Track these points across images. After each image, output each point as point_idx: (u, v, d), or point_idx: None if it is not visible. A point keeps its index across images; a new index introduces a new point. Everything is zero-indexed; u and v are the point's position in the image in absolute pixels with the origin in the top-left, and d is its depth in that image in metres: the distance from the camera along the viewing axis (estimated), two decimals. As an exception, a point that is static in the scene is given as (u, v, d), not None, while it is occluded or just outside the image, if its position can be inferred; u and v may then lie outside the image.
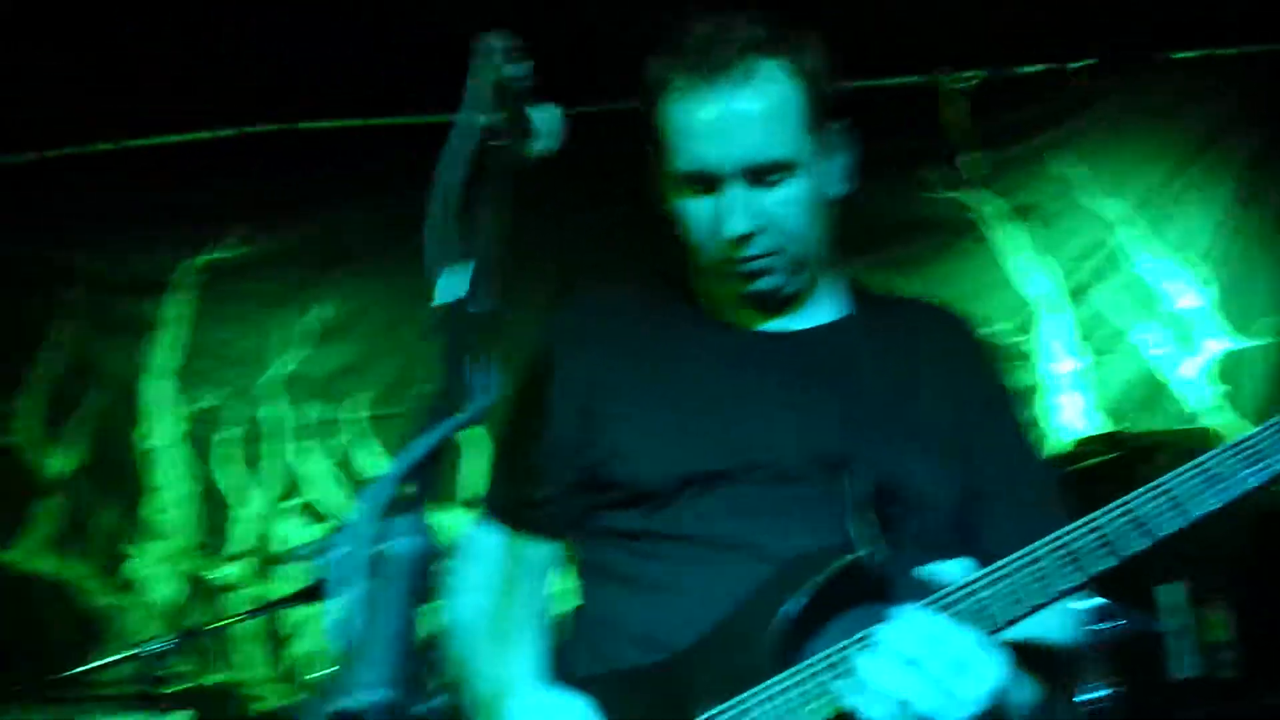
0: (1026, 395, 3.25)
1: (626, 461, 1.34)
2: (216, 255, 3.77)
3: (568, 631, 1.42)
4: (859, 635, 1.14)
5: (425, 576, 0.59)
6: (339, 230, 3.75)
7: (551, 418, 1.39)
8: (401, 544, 0.60)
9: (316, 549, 0.62)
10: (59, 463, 3.74)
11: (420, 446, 0.64)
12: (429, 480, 0.63)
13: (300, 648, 3.61)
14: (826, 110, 1.34)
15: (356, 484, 3.65)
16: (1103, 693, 2.48)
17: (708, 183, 1.31)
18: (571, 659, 1.37)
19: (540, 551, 1.44)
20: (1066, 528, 1.14)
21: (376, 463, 3.64)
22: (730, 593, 1.25)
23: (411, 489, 0.62)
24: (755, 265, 1.33)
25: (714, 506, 1.30)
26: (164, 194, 3.76)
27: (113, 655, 3.06)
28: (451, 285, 0.75)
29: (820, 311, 1.43)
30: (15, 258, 3.80)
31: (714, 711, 1.19)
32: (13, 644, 3.67)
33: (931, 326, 1.47)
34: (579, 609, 1.42)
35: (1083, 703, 2.46)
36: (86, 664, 3.02)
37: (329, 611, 0.59)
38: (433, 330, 0.71)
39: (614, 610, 1.36)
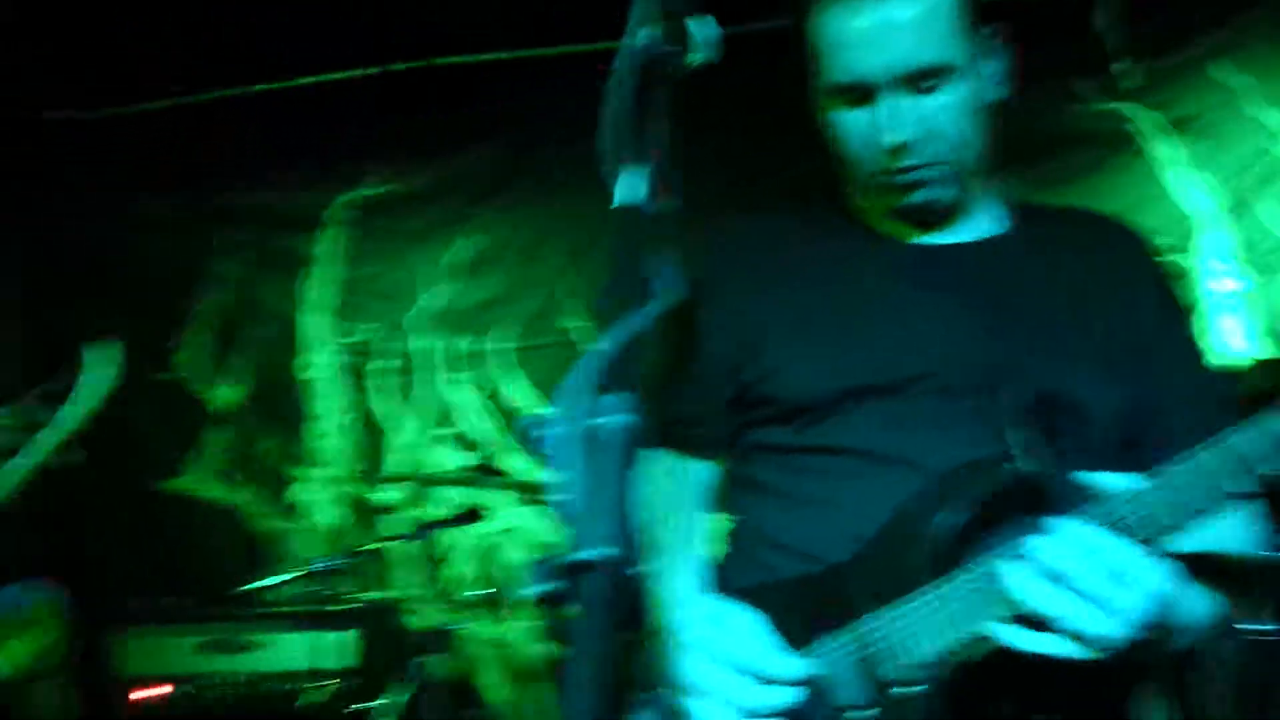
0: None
1: (783, 377, 1.34)
2: (366, 192, 3.88)
3: (726, 547, 1.44)
4: (1009, 546, 1.12)
5: (634, 451, 0.62)
6: (483, 165, 3.80)
7: (708, 336, 1.40)
8: (612, 419, 0.63)
9: (536, 423, 0.66)
10: (225, 394, 3.96)
11: (619, 334, 0.66)
12: (627, 367, 0.66)
13: (453, 570, 3.77)
14: (980, 13, 1.30)
15: (504, 415, 3.74)
16: (1270, 625, 2.39)
17: (863, 93, 1.29)
18: (730, 573, 1.40)
19: (697, 470, 1.47)
20: (1232, 427, 1.09)
21: (523, 394, 3.73)
22: (887, 506, 1.25)
23: (614, 372, 0.65)
24: (914, 176, 1.31)
25: (871, 420, 1.30)
26: (316, 133, 3.87)
27: (280, 575, 3.27)
28: (628, 188, 0.78)
29: (979, 225, 1.40)
30: (181, 199, 3.99)
31: (869, 619, 1.20)
32: (187, 566, 3.93)
33: (1098, 237, 1.43)
34: (736, 525, 1.44)
35: (1247, 630, 2.37)
36: (256, 583, 3.22)
37: (551, 481, 0.62)
38: (614, 231, 0.73)
39: (770, 525, 1.38)
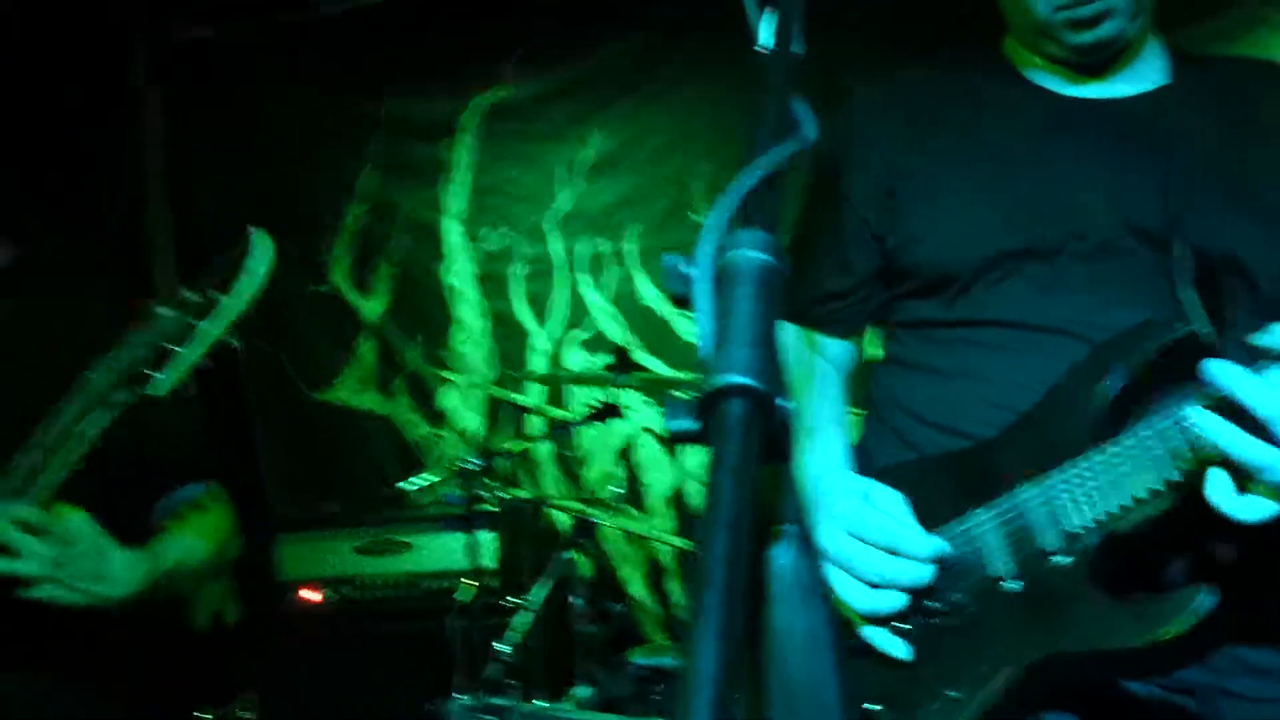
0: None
1: (929, 244, 1.28)
2: (499, 95, 3.87)
3: (868, 424, 1.41)
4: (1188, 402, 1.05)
5: (774, 288, 0.59)
6: (614, 63, 3.74)
7: (850, 205, 1.34)
8: (749, 254, 0.61)
9: (676, 262, 0.65)
10: (373, 305, 4.07)
11: (756, 170, 0.64)
12: (766, 205, 0.63)
13: (593, 468, 3.84)
14: None
15: (638, 314, 3.76)
16: None
17: None
18: (870, 452, 1.37)
19: (838, 348, 1.43)
20: None
21: (655, 293, 3.72)
22: (1042, 377, 1.19)
23: (753, 209, 0.63)
24: (1091, 9, 1.21)
25: (1024, 286, 1.24)
26: (448, 39, 3.87)
27: (428, 478, 3.38)
28: (769, 31, 0.75)
29: (1142, 75, 1.30)
30: (328, 110, 4.06)
31: (1023, 489, 1.15)
32: (341, 473, 4.11)
33: (1268, 88, 1.31)
34: (878, 401, 1.41)
35: None
36: (405, 485, 3.35)
37: (695, 316, 0.61)
38: (757, 72, 0.71)
39: (914, 401, 1.34)
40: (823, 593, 0.70)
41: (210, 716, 3.40)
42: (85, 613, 1.70)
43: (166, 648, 3.64)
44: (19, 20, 3.32)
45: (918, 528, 1.17)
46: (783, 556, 0.66)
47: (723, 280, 0.62)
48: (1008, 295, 1.25)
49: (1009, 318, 1.26)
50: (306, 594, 3.43)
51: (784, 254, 0.63)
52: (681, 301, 0.66)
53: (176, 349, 1.33)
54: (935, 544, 1.16)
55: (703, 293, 0.63)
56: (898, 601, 1.16)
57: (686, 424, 0.60)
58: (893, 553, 1.15)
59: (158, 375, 1.34)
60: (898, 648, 1.18)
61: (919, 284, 1.31)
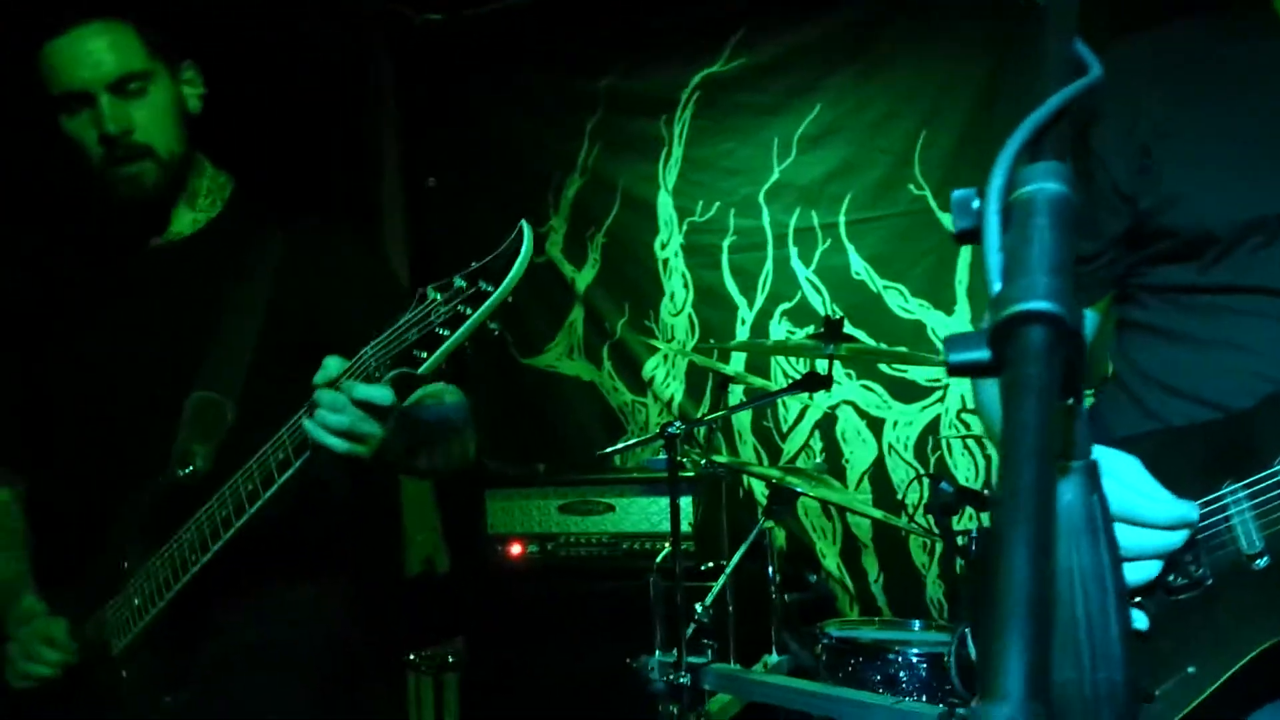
0: None
1: (1186, 205, 1.24)
2: (718, 69, 3.89)
3: (1108, 392, 1.37)
4: None
5: (1070, 219, 0.59)
6: (833, 34, 3.69)
7: (1100, 164, 1.29)
8: (1045, 184, 0.60)
9: (966, 197, 0.64)
10: (584, 275, 4.19)
11: (1047, 107, 0.64)
12: (1057, 138, 0.63)
13: (791, 443, 3.84)
14: None
15: (847, 288, 3.72)
16: None
17: None
18: (1110, 421, 1.33)
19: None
20: None
21: (866, 266, 3.68)
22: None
23: (1044, 142, 0.63)
24: None
25: None
26: (671, 15, 3.92)
27: (631, 441, 3.47)
28: None
29: None
30: (550, 87, 4.18)
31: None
32: (547, 434, 4.25)
33: None
34: (1121, 369, 1.36)
35: None
36: (610, 449, 3.45)
37: (985, 250, 0.61)
38: (1038, 14, 0.70)
39: (1162, 370, 1.30)
40: (1109, 532, 0.68)
41: (418, 657, 3.64)
42: (310, 553, 1.84)
43: (382, 591, 3.88)
44: (262, 9, 3.55)
45: (1163, 494, 1.13)
46: (1069, 493, 0.66)
47: (1014, 213, 0.62)
48: (1272, 261, 1.20)
49: (1274, 284, 1.20)
50: (512, 548, 3.59)
51: (1079, 186, 0.62)
52: (966, 237, 0.66)
53: (445, 333, 1.38)
54: (1181, 509, 1.11)
55: (993, 226, 0.63)
56: (1146, 572, 1.13)
57: (975, 354, 0.59)
58: (1139, 522, 1.11)
59: (424, 356, 1.41)
60: (1139, 620, 1.14)
61: (1173, 247, 1.27)
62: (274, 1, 3.61)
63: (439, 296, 1.39)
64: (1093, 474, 0.69)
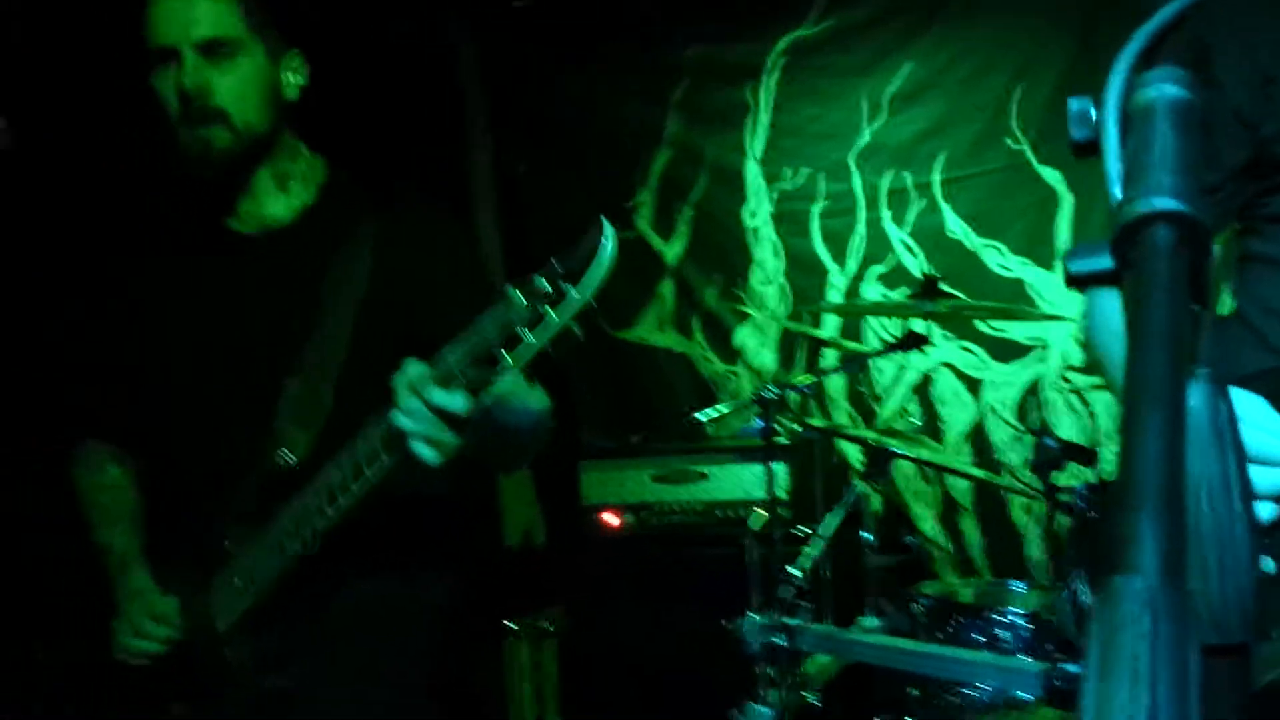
0: None
1: None
2: (804, 32, 3.86)
3: (1229, 330, 1.34)
4: None
5: (1194, 122, 0.58)
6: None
7: (1221, 92, 1.26)
8: (1165, 88, 0.59)
9: (1084, 105, 0.63)
10: (673, 247, 4.19)
11: (1164, 13, 0.63)
12: (1175, 43, 0.62)
13: (889, 402, 3.81)
14: None
15: (943, 248, 3.67)
16: None
17: None
18: (1234, 356, 1.30)
19: None
20: None
21: (961, 224, 3.62)
22: None
23: (1162, 48, 0.62)
24: None
25: None
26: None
27: (723, 409, 3.47)
28: None
29: None
30: (634, 61, 4.18)
31: None
32: (640, 405, 4.28)
33: None
34: (1242, 304, 1.33)
35: None
36: (703, 415, 3.45)
37: (1105, 159, 0.60)
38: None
39: None
40: (1235, 438, 0.66)
41: (517, 625, 3.71)
42: (407, 539, 1.84)
43: (482, 561, 3.95)
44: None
45: None
46: (1194, 399, 0.64)
47: (1133, 120, 0.61)
48: None
49: None
50: (608, 518, 3.63)
51: (1201, 89, 0.61)
52: (1085, 148, 0.65)
53: (526, 333, 1.36)
54: None
55: (1112, 133, 0.62)
56: (1268, 513, 1.09)
57: (1097, 263, 0.58)
58: (1265, 463, 1.08)
59: (506, 356, 1.39)
60: (1267, 564, 1.11)
61: None
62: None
63: (521, 299, 1.37)
64: (1220, 381, 0.68)
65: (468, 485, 1.93)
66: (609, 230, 1.37)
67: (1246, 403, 1.13)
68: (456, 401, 1.43)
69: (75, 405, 1.99)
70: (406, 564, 1.85)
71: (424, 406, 1.44)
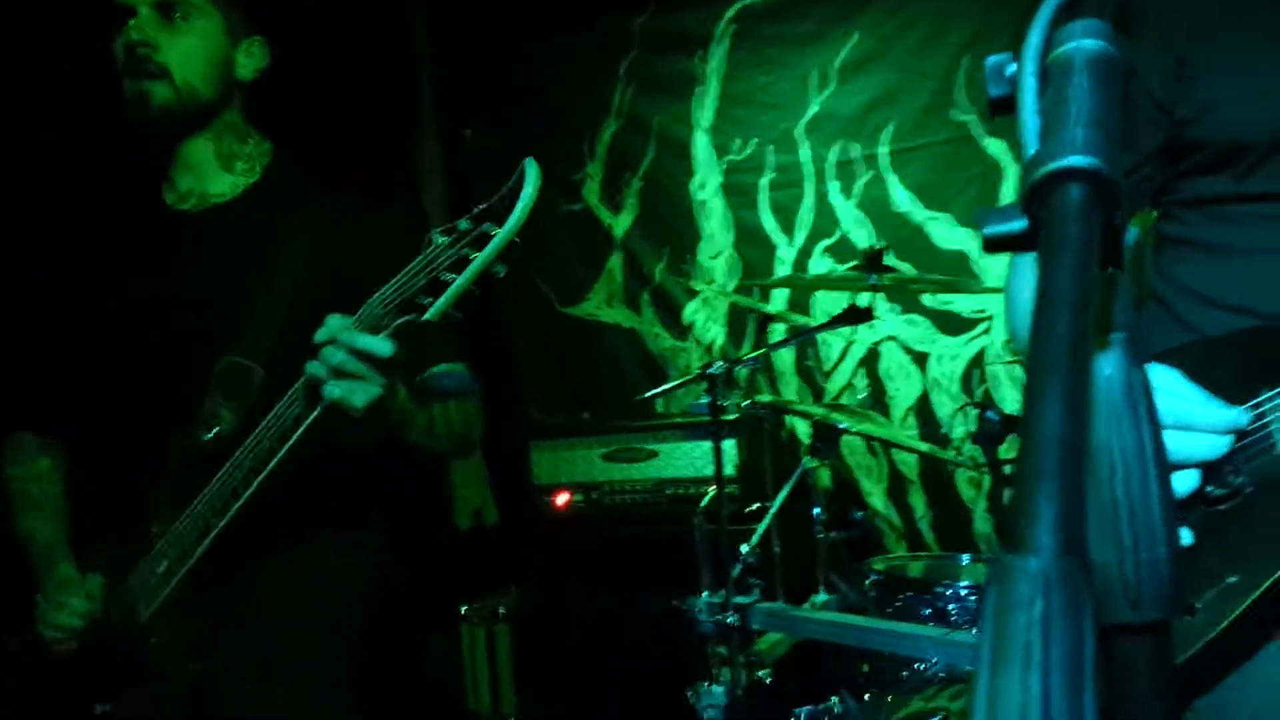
0: None
1: (1221, 114, 1.20)
2: (749, 1, 3.82)
3: (1146, 310, 1.34)
4: None
5: (1114, 76, 0.55)
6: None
7: (1137, 76, 1.25)
8: (1084, 42, 0.57)
9: (1000, 62, 0.61)
10: (621, 220, 4.15)
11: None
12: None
13: (834, 381, 3.80)
14: None
15: (889, 221, 3.66)
16: None
17: None
18: (1150, 335, 1.30)
19: None
20: None
21: (909, 196, 3.61)
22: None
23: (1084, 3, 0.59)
24: None
25: None
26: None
27: (672, 384, 3.45)
28: None
29: None
30: (582, 31, 4.12)
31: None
32: (589, 382, 4.25)
33: None
34: (1158, 286, 1.33)
35: None
36: (651, 393, 3.43)
37: (1021, 115, 0.58)
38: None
39: (1197, 281, 1.28)
40: (1151, 408, 0.64)
41: (470, 609, 3.68)
42: (337, 510, 1.82)
43: (433, 543, 3.91)
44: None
45: (1209, 399, 1.10)
46: (1108, 367, 0.62)
47: (1052, 74, 0.59)
48: None
49: None
50: (558, 498, 3.60)
51: (1122, 43, 0.58)
52: (1002, 105, 0.63)
53: (451, 277, 1.36)
54: (1231, 414, 1.08)
55: (1029, 88, 0.60)
56: (1189, 482, 1.11)
57: (1010, 225, 0.56)
58: (1184, 429, 1.09)
59: (431, 302, 1.38)
60: (1184, 536, 1.11)
61: (1209, 157, 1.23)
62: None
63: (444, 241, 1.37)
64: (1134, 348, 0.65)
65: (402, 464, 1.89)
66: (531, 168, 1.37)
67: (1165, 377, 1.14)
68: (377, 343, 1.43)
69: (5, 394, 1.94)
70: (339, 533, 1.82)
71: (344, 352, 1.44)
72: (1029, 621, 0.38)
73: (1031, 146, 0.57)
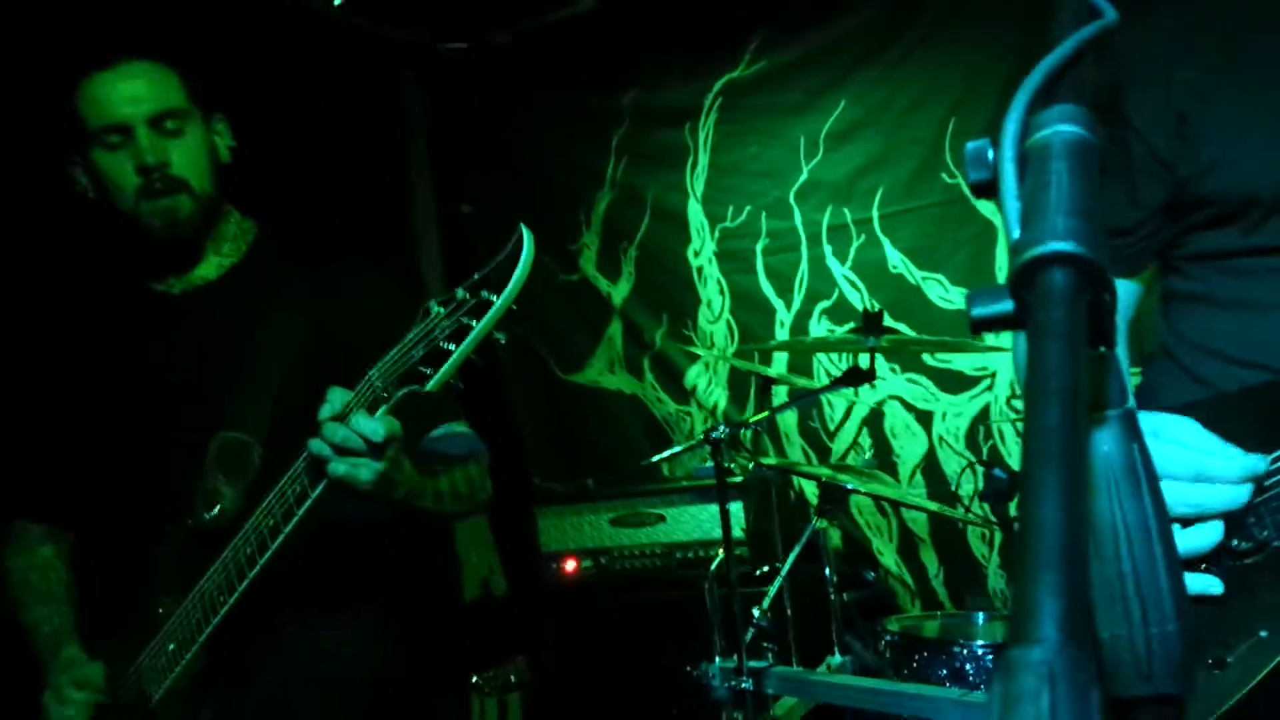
0: None
1: (1227, 170, 1.20)
2: (741, 73, 3.89)
3: (1157, 365, 1.34)
4: None
5: (1092, 162, 0.57)
6: (856, 30, 3.67)
7: (1136, 132, 1.26)
8: (1062, 128, 0.58)
9: (981, 147, 0.63)
10: (619, 288, 4.20)
11: (1062, 50, 0.62)
12: (1075, 81, 0.61)
13: (839, 441, 3.80)
14: None
15: (884, 282, 3.68)
16: None
17: None
18: (1157, 393, 1.30)
19: (1122, 289, 1.34)
20: None
21: (902, 258, 3.64)
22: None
23: (1060, 85, 0.61)
24: None
25: None
26: (690, 24, 3.92)
27: (676, 449, 3.45)
28: None
29: None
30: (576, 105, 4.20)
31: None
32: (594, 449, 4.25)
33: None
34: (1169, 341, 1.33)
35: None
36: (656, 458, 3.43)
37: (1002, 200, 0.59)
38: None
39: (1208, 336, 1.27)
40: (1152, 481, 0.65)
41: (481, 679, 3.64)
42: (345, 588, 1.82)
43: (441, 613, 3.88)
44: (301, 45, 3.60)
45: (1228, 448, 1.09)
46: (1106, 444, 0.63)
47: (1031, 160, 0.60)
48: None
49: None
50: (566, 565, 3.59)
51: (1099, 128, 0.60)
52: (983, 189, 0.64)
53: (450, 347, 1.36)
54: (1249, 461, 1.07)
55: (1009, 174, 0.61)
56: (1213, 535, 1.09)
57: (997, 307, 0.57)
58: (1202, 479, 1.07)
59: (432, 372, 1.38)
60: (1214, 585, 1.10)
61: (1215, 212, 1.23)
62: (301, 40, 3.67)
63: (441, 310, 1.37)
64: (1130, 422, 0.66)
65: (413, 540, 1.89)
66: (527, 235, 1.37)
67: (1182, 428, 1.13)
68: (370, 427, 1.43)
69: (5, 485, 1.95)
70: (345, 628, 1.81)
71: (347, 430, 1.44)
72: (1036, 714, 0.39)
73: (1014, 231, 0.59)
